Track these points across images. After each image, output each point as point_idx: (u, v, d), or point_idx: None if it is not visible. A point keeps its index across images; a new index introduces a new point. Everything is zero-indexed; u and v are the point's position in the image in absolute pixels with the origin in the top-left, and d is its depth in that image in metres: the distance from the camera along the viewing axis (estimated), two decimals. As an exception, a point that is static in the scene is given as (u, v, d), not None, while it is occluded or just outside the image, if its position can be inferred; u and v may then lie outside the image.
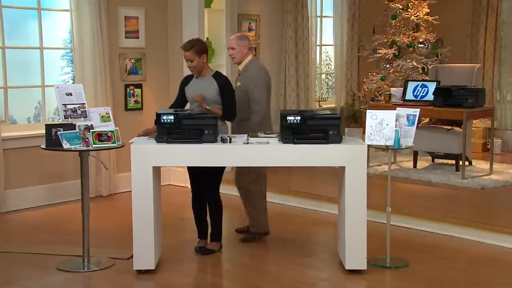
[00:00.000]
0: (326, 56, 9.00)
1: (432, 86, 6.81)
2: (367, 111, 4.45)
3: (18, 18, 6.05)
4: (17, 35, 6.12)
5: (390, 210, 4.48)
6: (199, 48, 4.50)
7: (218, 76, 4.60)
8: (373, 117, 4.36)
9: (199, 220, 4.75)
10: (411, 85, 6.94)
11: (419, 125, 6.22)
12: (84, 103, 4.35)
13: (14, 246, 4.79)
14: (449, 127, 7.04)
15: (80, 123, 4.26)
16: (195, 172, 4.65)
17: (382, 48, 8.29)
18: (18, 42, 6.09)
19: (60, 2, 6.26)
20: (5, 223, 5.53)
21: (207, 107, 4.47)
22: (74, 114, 4.31)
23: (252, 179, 4.89)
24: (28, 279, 4.20)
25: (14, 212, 5.81)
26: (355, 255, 4.22)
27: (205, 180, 4.63)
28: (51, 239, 4.98)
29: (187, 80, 4.70)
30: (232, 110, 4.56)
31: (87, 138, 4.22)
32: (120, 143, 4.33)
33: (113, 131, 4.30)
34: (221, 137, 4.31)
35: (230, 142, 4.26)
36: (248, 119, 4.75)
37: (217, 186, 4.69)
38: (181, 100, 4.69)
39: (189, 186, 6.72)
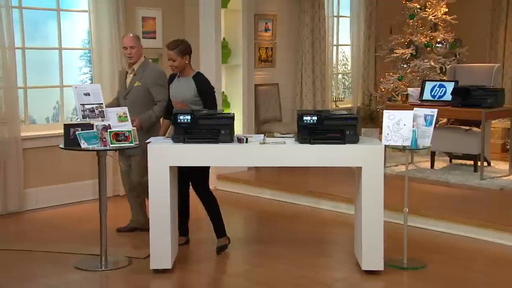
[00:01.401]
0: (343, 56, 8.98)
1: (450, 86, 6.76)
2: (384, 111, 4.43)
3: (38, 19, 6.12)
4: (37, 36, 6.19)
5: (407, 210, 4.45)
6: (183, 49, 4.60)
7: (197, 78, 4.66)
8: (390, 117, 4.34)
9: (181, 218, 4.77)
10: (428, 85, 6.89)
11: (436, 125, 6.17)
12: (102, 103, 4.38)
13: (33, 245, 4.84)
14: (467, 128, 6.98)
15: (97, 123, 4.29)
16: (181, 172, 4.65)
17: (399, 48, 8.24)
18: (37, 43, 6.16)
19: (79, 3, 6.31)
20: (24, 222, 5.59)
21: None
22: (92, 114, 4.34)
23: (142, 174, 4.95)
24: (47, 278, 4.24)
25: (33, 211, 5.87)
26: (372, 255, 4.20)
27: (197, 179, 4.65)
28: (69, 238, 5.02)
29: (171, 78, 4.78)
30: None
31: (105, 138, 4.25)
32: (137, 143, 4.36)
33: (130, 131, 4.32)
34: (237, 137, 4.32)
35: (246, 142, 4.26)
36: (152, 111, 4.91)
37: (208, 183, 4.74)
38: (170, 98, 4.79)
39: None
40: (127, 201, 5.26)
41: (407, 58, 8.17)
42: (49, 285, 4.16)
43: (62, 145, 4.37)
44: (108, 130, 4.27)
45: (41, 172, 5.97)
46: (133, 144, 4.32)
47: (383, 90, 8.37)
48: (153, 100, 4.91)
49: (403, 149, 4.44)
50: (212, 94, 4.67)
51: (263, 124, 7.55)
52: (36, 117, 6.28)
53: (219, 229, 4.71)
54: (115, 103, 5.01)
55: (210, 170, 6.71)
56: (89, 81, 6.39)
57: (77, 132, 4.23)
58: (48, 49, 6.22)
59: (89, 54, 6.38)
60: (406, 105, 6.81)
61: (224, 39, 7.01)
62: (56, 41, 6.14)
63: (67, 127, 4.33)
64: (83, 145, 4.23)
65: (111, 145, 4.27)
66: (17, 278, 4.21)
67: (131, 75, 4.98)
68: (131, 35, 5.01)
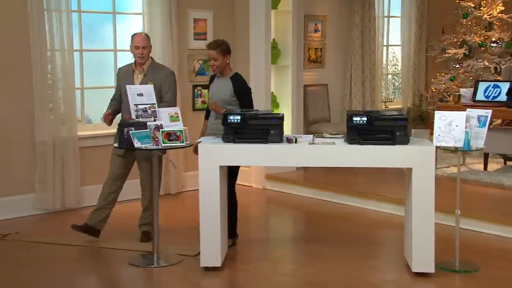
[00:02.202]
0: (393, 56, 8.88)
1: (505, 87, 6.59)
2: (436, 112, 4.37)
3: (95, 22, 6.30)
4: (94, 38, 6.38)
5: (459, 213, 4.38)
6: (224, 49, 4.64)
7: (234, 78, 4.70)
8: (442, 118, 4.28)
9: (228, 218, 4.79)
10: (482, 86, 6.74)
11: (490, 127, 6.03)
12: (155, 103, 4.46)
13: (89, 240, 4.98)
14: (523, 129, 6.80)
15: (150, 122, 4.39)
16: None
17: (452, 48, 8.08)
18: (94, 45, 6.34)
19: (134, 6, 6.47)
20: (81, 218, 5.73)
21: (222, 113, 4.57)
22: (144, 114, 4.44)
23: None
24: (102, 273, 4.39)
25: (89, 208, 6.01)
26: (423, 257, 4.16)
27: (232, 178, 4.70)
28: (123, 234, 5.13)
29: (211, 79, 4.84)
30: None
31: (157, 137, 4.35)
32: (188, 142, 4.42)
33: (182, 130, 4.39)
34: (286, 137, 4.34)
35: (295, 142, 4.28)
36: None
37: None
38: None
39: (254, 186, 6.88)
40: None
41: (459, 58, 8.00)
42: (104, 280, 4.30)
43: (116, 144, 4.49)
44: (160, 130, 4.36)
45: (96, 170, 6.13)
46: (184, 144, 4.41)
47: (434, 90, 8.23)
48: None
49: (455, 150, 4.37)
50: (249, 95, 4.71)
51: (311, 125, 7.54)
52: (92, 117, 6.47)
53: (234, 231, 4.79)
54: (116, 106, 4.93)
55: (259, 169, 6.82)
56: (142, 82, 6.53)
57: (130, 132, 4.33)
58: (104, 51, 6.40)
59: (142, 56, 6.51)
60: (458, 105, 6.68)
61: (273, 40, 7.05)
62: (112, 43, 6.31)
63: (121, 126, 4.45)
64: (137, 144, 4.34)
65: (163, 144, 4.37)
66: (74, 272, 4.36)
67: (140, 75, 4.82)
68: (143, 34, 4.86)
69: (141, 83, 4.73)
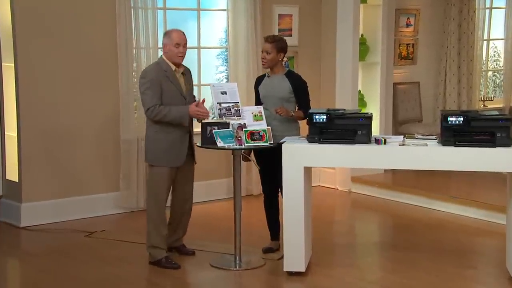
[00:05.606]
0: (494, 51, 8.32)
1: None
2: (544, 111, 4.01)
3: (179, 19, 6.30)
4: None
5: None
6: (280, 45, 4.48)
7: (291, 75, 4.55)
8: (551, 118, 3.91)
9: (273, 221, 4.65)
10: None
11: None
12: (238, 102, 4.39)
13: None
14: None
15: (233, 121, 4.31)
16: (268, 174, 4.53)
17: None
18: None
19: (218, 2, 6.43)
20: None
21: (292, 114, 4.44)
22: (228, 113, 4.37)
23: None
24: (183, 273, 4.34)
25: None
26: (526, 272, 3.81)
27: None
28: (204, 235, 5.09)
29: (259, 80, 4.67)
30: (309, 108, 4.44)
31: (240, 137, 4.26)
32: (272, 142, 4.31)
33: (265, 130, 4.29)
34: (375, 138, 4.15)
35: (384, 143, 4.08)
36: None
37: None
38: (260, 101, 4.64)
39: (339, 188, 6.67)
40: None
41: None
42: (185, 281, 4.26)
43: (199, 143, 4.44)
44: (244, 129, 4.27)
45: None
46: (267, 144, 4.28)
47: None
48: None
49: None
50: (307, 91, 4.58)
51: (401, 125, 7.26)
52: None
53: (279, 233, 4.60)
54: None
55: (345, 171, 6.61)
56: (225, 80, 6.48)
57: (213, 131, 4.28)
58: (188, 49, 6.36)
59: (225, 53, 6.47)
60: None
61: (362, 35, 6.81)
62: (195, 41, 6.28)
63: (204, 125, 4.39)
64: (219, 143, 4.27)
65: (246, 144, 4.27)
66: (155, 272, 4.34)
67: (180, 76, 4.40)
68: (181, 31, 4.38)
69: (184, 84, 4.43)
